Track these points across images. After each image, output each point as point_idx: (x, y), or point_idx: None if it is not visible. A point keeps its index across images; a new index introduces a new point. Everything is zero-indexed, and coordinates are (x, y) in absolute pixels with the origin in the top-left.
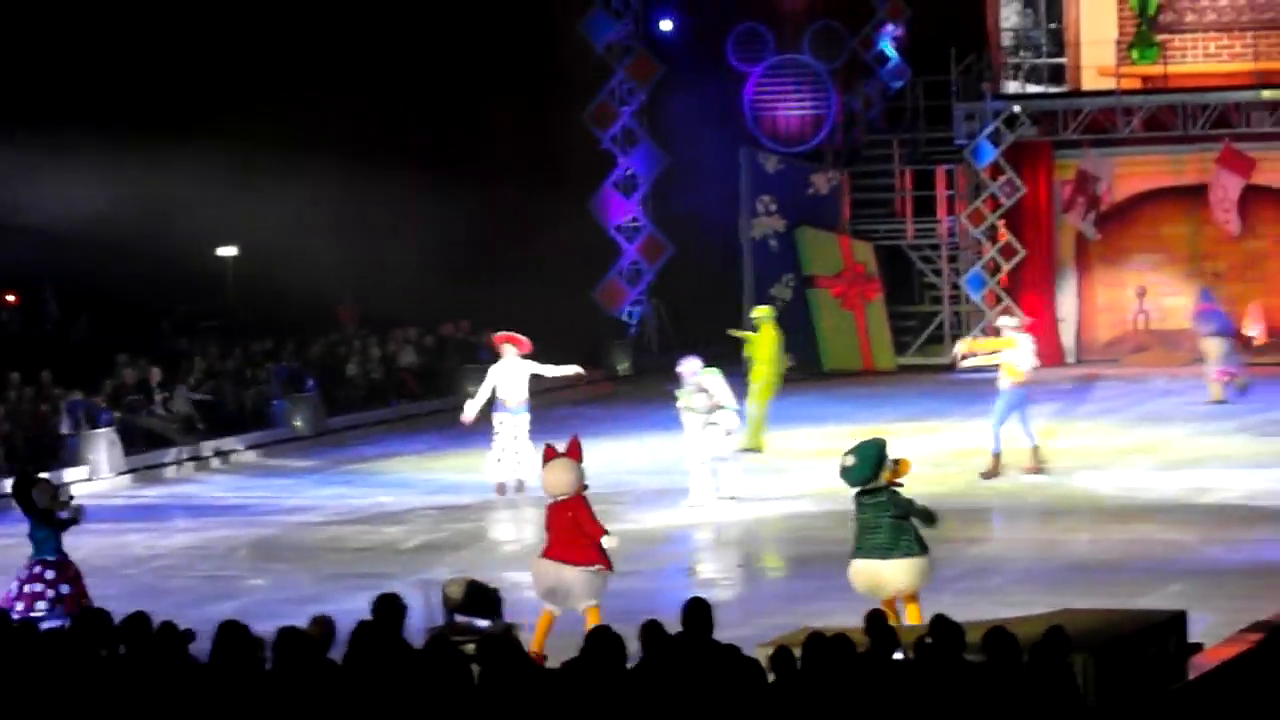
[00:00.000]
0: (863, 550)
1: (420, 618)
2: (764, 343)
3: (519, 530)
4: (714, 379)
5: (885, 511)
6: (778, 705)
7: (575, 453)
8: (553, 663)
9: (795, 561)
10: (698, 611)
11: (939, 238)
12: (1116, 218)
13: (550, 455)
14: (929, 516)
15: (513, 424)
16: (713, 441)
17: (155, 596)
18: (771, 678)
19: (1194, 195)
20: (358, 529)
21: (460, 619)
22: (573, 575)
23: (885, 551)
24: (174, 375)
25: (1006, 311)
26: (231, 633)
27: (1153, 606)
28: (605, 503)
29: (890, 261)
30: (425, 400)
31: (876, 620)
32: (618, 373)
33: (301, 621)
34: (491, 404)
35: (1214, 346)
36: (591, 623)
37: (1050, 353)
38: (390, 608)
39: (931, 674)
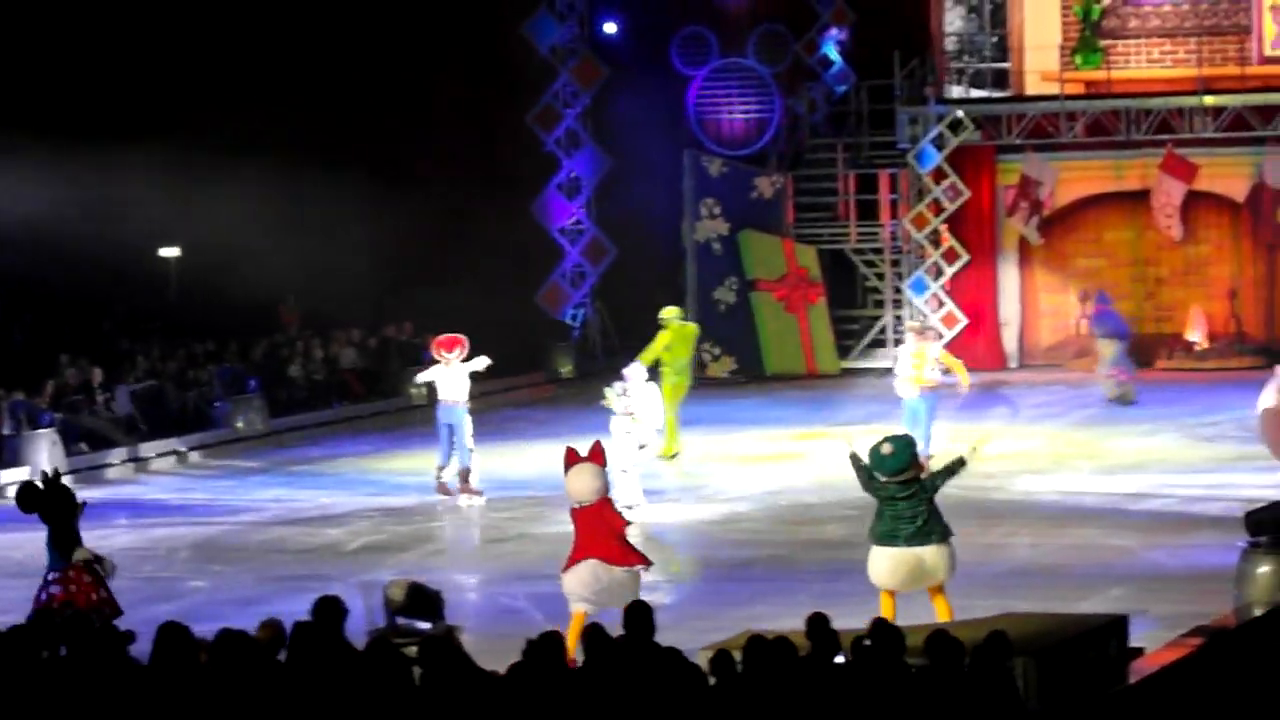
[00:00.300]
0: (900, 539)
1: (362, 620)
2: (669, 344)
3: (462, 532)
4: (647, 390)
5: (921, 502)
6: (719, 709)
7: (599, 458)
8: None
9: (733, 565)
10: (639, 615)
11: (882, 242)
12: (1059, 222)
13: (573, 460)
14: (960, 463)
15: (462, 425)
16: (627, 450)
17: None
18: (712, 681)
19: (1136, 200)
20: (300, 530)
21: (402, 621)
22: (623, 575)
23: (925, 538)
24: (116, 376)
25: (949, 318)
26: (172, 634)
27: (1093, 611)
28: (543, 505)
29: (833, 265)
30: (368, 402)
31: (818, 624)
32: (560, 375)
33: (243, 623)
34: (435, 406)
35: (1108, 348)
36: None
37: (993, 357)
38: (331, 610)
39: (872, 678)
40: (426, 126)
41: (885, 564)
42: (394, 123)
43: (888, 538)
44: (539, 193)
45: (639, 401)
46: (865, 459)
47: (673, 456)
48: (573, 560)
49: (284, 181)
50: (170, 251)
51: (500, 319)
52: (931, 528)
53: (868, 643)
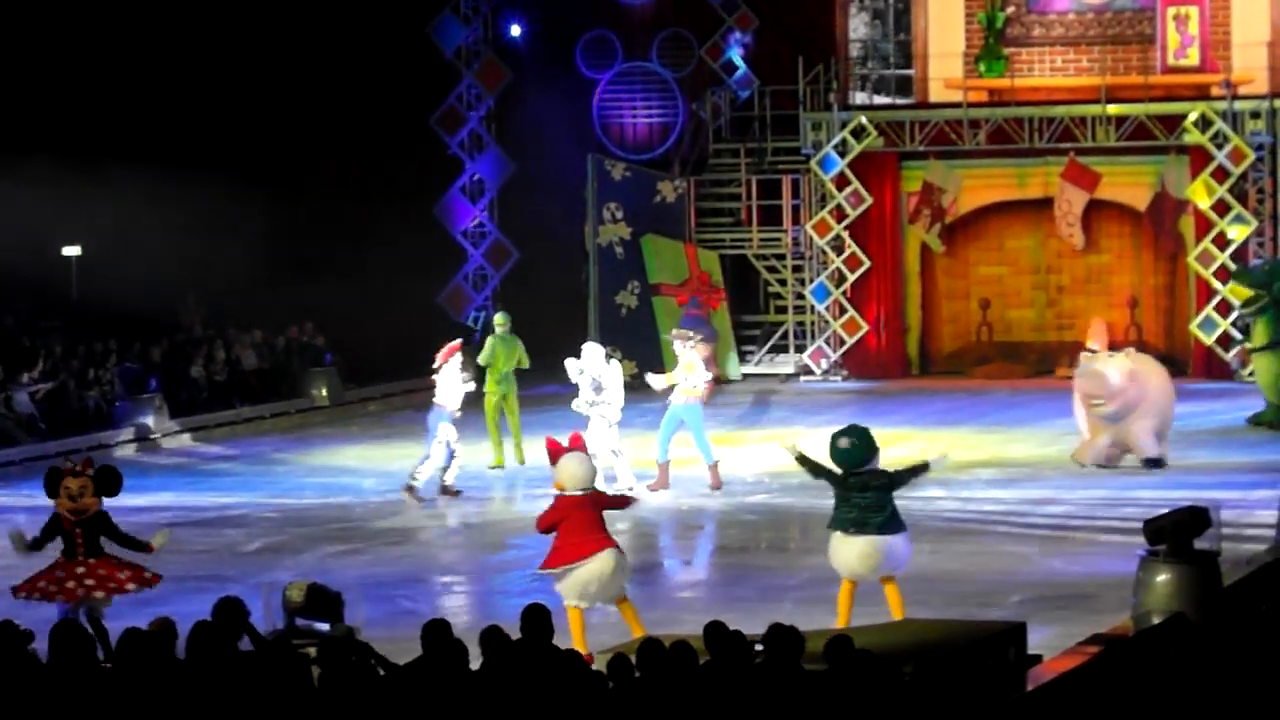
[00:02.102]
0: (871, 527)
1: (261, 620)
2: (490, 352)
3: (361, 534)
4: (610, 369)
5: (886, 491)
6: (617, 712)
7: (581, 447)
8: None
9: (632, 570)
10: (537, 617)
11: (785, 247)
12: (961, 230)
13: (559, 450)
14: (923, 467)
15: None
16: (608, 433)
17: None
18: (610, 685)
19: (1039, 208)
20: (198, 531)
21: (301, 622)
22: (618, 571)
23: (894, 527)
24: (15, 375)
25: (851, 324)
26: (68, 632)
27: (992, 618)
28: (442, 507)
29: (735, 270)
30: (268, 402)
31: (715, 630)
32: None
33: (141, 623)
34: (431, 410)
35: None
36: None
37: (895, 363)
38: (232, 611)
39: (771, 681)
40: (330, 128)
41: (854, 551)
42: (297, 124)
43: (857, 525)
44: (442, 195)
45: (605, 380)
46: (813, 458)
47: (499, 467)
48: (564, 558)
49: (187, 181)
50: (71, 250)
51: (402, 320)
52: (894, 518)
53: (760, 647)
